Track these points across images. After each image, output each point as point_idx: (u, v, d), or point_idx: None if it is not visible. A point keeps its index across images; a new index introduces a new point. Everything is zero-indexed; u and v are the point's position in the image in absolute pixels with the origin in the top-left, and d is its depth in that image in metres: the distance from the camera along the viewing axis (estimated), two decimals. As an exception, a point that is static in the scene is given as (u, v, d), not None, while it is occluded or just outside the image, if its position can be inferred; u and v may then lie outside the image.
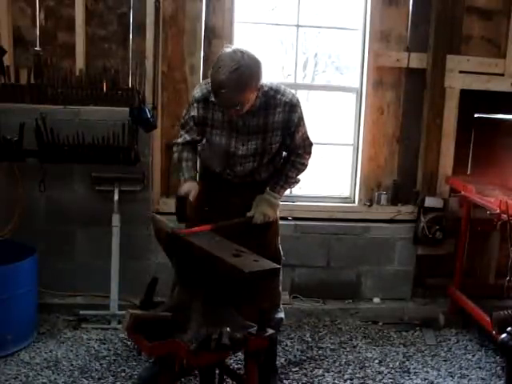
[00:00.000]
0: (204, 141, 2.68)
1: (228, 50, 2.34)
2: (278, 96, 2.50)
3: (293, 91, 2.62)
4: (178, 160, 2.63)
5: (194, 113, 2.56)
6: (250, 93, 2.33)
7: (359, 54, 3.94)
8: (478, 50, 3.95)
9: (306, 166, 2.72)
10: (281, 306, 2.90)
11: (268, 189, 2.63)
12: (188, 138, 2.62)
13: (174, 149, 2.68)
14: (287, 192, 3.93)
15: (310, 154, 2.71)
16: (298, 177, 2.73)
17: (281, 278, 2.79)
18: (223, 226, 2.45)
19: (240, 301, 2.28)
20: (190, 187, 2.48)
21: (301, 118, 2.58)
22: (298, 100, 2.57)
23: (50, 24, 3.67)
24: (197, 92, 2.57)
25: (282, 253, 2.84)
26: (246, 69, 2.25)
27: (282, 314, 2.89)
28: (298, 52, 4.18)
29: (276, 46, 5.87)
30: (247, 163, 2.59)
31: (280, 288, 2.85)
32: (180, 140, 2.65)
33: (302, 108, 2.59)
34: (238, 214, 2.61)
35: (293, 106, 2.52)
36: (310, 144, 2.70)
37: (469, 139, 4.06)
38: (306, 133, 2.64)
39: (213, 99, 2.42)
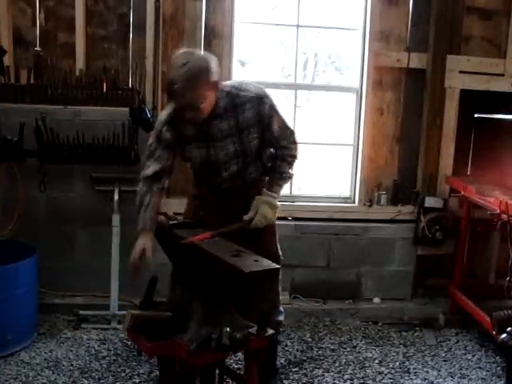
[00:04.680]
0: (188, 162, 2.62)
1: (181, 50, 2.37)
2: (242, 93, 2.43)
3: (257, 84, 2.54)
4: (139, 204, 2.47)
5: (165, 137, 2.46)
6: (204, 89, 2.27)
7: (359, 54, 3.94)
8: (478, 50, 3.95)
9: (296, 156, 2.63)
10: (280, 307, 2.87)
11: (265, 189, 2.54)
12: (157, 167, 2.47)
13: (139, 186, 2.50)
14: (287, 192, 3.96)
15: (295, 143, 2.62)
16: (291, 170, 2.63)
17: (280, 277, 2.77)
18: (222, 233, 2.37)
19: (239, 301, 2.26)
20: (144, 242, 2.41)
21: (272, 108, 2.48)
22: (263, 91, 2.48)
23: (50, 24, 3.68)
24: (161, 117, 2.52)
25: (280, 252, 2.81)
26: (195, 63, 2.26)
27: (281, 316, 2.87)
28: (298, 52, 4.18)
29: (276, 45, 5.86)
30: (231, 167, 2.53)
31: (280, 288, 2.83)
32: (149, 171, 2.48)
33: (271, 98, 2.49)
34: (236, 217, 2.53)
35: (260, 99, 2.44)
36: (292, 132, 2.61)
37: (469, 139, 4.05)
38: (283, 122, 2.55)
39: (178, 116, 2.36)
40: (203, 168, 2.60)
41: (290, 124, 2.64)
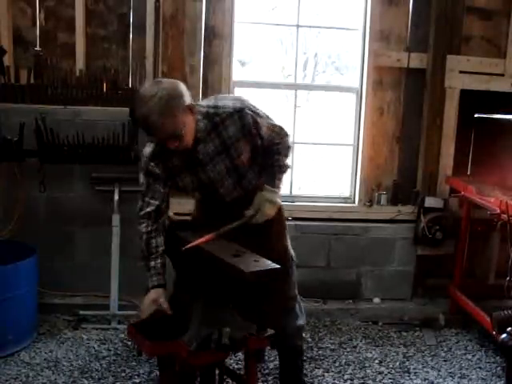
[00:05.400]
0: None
1: (145, 85, 2.32)
2: (219, 110, 2.35)
3: (232, 95, 2.52)
4: (146, 248, 2.37)
5: (154, 172, 2.38)
6: (180, 114, 2.19)
7: (359, 54, 3.94)
8: (478, 50, 3.95)
9: (289, 146, 2.58)
10: (301, 310, 2.76)
11: (266, 185, 2.46)
12: (157, 202, 2.38)
13: (143, 225, 2.39)
14: (287, 192, 3.97)
15: (286, 135, 2.55)
16: (288, 161, 2.58)
17: (294, 279, 2.69)
18: (226, 232, 2.33)
19: (245, 303, 2.23)
20: (156, 297, 2.25)
21: (254, 115, 2.39)
22: (240, 102, 2.40)
23: (50, 24, 3.68)
24: (145, 154, 2.42)
25: (293, 254, 2.71)
26: (164, 91, 2.17)
27: (301, 321, 2.74)
28: (298, 52, 4.18)
29: (276, 46, 5.87)
30: (225, 182, 2.45)
31: (293, 291, 2.71)
32: (149, 208, 2.38)
33: (248, 103, 2.41)
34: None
35: (239, 112, 2.35)
36: (280, 127, 2.53)
37: (469, 139, 4.05)
38: (268, 122, 2.46)
39: (162, 149, 2.31)
40: (199, 191, 2.57)
41: (276, 120, 2.55)
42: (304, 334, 3.54)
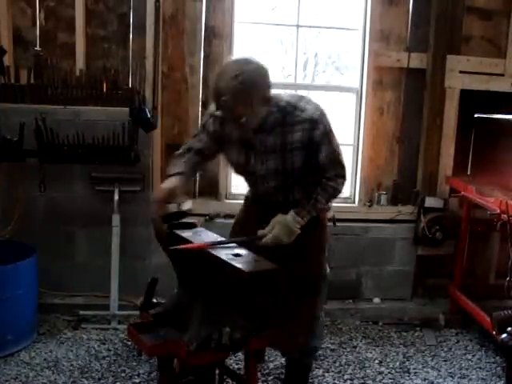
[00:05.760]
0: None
1: (234, 57, 2.22)
2: (297, 112, 2.25)
3: (317, 104, 2.31)
4: (177, 154, 2.38)
5: (210, 128, 2.39)
6: (254, 104, 2.13)
7: (359, 54, 3.94)
8: (478, 50, 3.95)
9: (339, 191, 2.43)
10: (320, 331, 2.71)
11: (293, 211, 2.31)
12: (198, 146, 2.38)
13: (178, 152, 2.41)
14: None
15: (342, 177, 2.40)
16: (329, 203, 2.44)
17: (322, 299, 2.60)
18: (224, 243, 2.26)
19: (266, 324, 2.16)
20: (169, 184, 2.22)
21: (324, 135, 2.27)
22: (320, 115, 2.27)
23: (50, 24, 3.68)
24: (209, 109, 2.41)
25: (327, 270, 2.59)
26: (248, 76, 2.07)
27: (318, 342, 2.71)
28: (298, 52, 4.18)
29: (276, 45, 5.86)
30: (269, 182, 2.37)
31: (319, 311, 2.61)
32: (188, 146, 2.40)
33: (327, 122, 2.28)
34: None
35: (314, 123, 2.24)
36: (341, 166, 2.39)
37: (469, 139, 4.06)
38: (333, 152, 2.33)
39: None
40: (241, 175, 2.50)
41: (344, 159, 2.43)
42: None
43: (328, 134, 2.29)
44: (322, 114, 2.28)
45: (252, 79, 2.09)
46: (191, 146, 2.41)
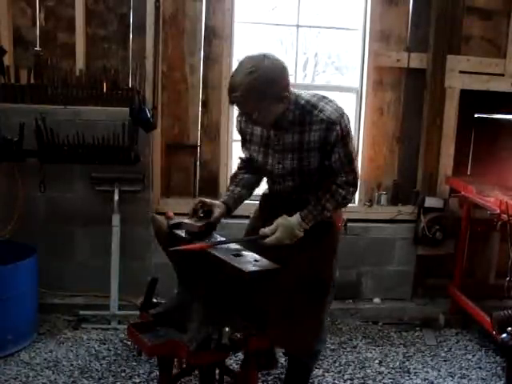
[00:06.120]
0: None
1: (252, 53, 2.17)
2: (315, 112, 2.21)
3: (338, 106, 2.27)
4: (231, 177, 2.56)
5: (238, 126, 2.46)
6: (267, 102, 2.11)
7: (359, 54, 3.94)
8: (478, 50, 3.95)
9: (348, 200, 2.37)
10: (324, 336, 2.70)
11: (299, 215, 2.27)
12: (247, 154, 2.50)
13: (237, 163, 2.58)
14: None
15: (353, 186, 2.34)
16: (335, 210, 2.39)
17: (328, 305, 2.57)
18: (221, 243, 2.25)
19: (266, 324, 2.18)
20: (214, 202, 2.33)
21: (340, 138, 2.22)
22: (339, 116, 2.22)
23: (50, 24, 3.68)
24: None
25: (336, 275, 2.54)
26: (264, 73, 2.05)
27: (321, 346, 2.70)
28: (298, 52, 4.18)
29: (276, 46, 5.86)
30: (286, 182, 2.38)
31: (325, 316, 2.60)
32: (243, 155, 2.55)
33: (345, 126, 2.23)
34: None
35: (331, 124, 2.19)
36: (354, 173, 2.32)
37: (469, 139, 4.06)
38: (347, 157, 2.27)
39: None
40: (263, 174, 2.52)
41: (358, 167, 2.37)
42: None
43: (344, 138, 2.24)
44: (341, 117, 2.23)
45: (267, 76, 2.07)
46: (242, 156, 2.56)
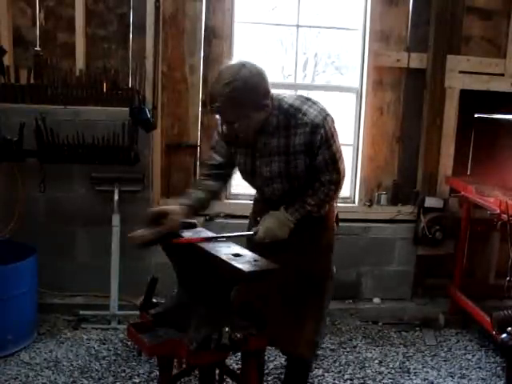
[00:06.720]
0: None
1: (230, 62, 2.19)
2: (299, 115, 2.22)
3: (322, 108, 2.28)
4: (195, 181, 2.46)
5: (219, 133, 2.40)
6: (248, 110, 2.12)
7: (359, 54, 3.94)
8: (478, 50, 3.95)
9: (330, 198, 2.39)
10: (323, 328, 2.69)
11: (282, 207, 2.32)
12: (220, 160, 2.41)
13: (202, 170, 2.47)
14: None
15: (336, 185, 2.35)
16: (318, 208, 2.38)
17: (329, 297, 2.57)
18: (219, 238, 2.28)
19: (266, 324, 2.18)
20: (170, 208, 2.25)
21: (325, 140, 2.22)
22: (323, 119, 2.22)
23: (50, 24, 3.68)
24: None
25: (334, 270, 2.56)
26: (242, 83, 2.06)
27: (320, 338, 2.67)
28: (298, 52, 4.19)
29: (276, 46, 5.87)
30: (274, 185, 2.36)
31: (325, 312, 2.60)
32: (211, 162, 2.43)
33: (329, 127, 2.24)
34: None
35: (315, 127, 2.20)
36: (338, 172, 2.33)
37: (469, 139, 4.06)
38: (332, 157, 2.28)
39: None
40: (248, 178, 2.48)
41: (343, 166, 2.38)
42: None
43: (328, 140, 2.25)
44: (325, 119, 2.24)
45: (244, 86, 2.07)
46: (211, 163, 2.44)
